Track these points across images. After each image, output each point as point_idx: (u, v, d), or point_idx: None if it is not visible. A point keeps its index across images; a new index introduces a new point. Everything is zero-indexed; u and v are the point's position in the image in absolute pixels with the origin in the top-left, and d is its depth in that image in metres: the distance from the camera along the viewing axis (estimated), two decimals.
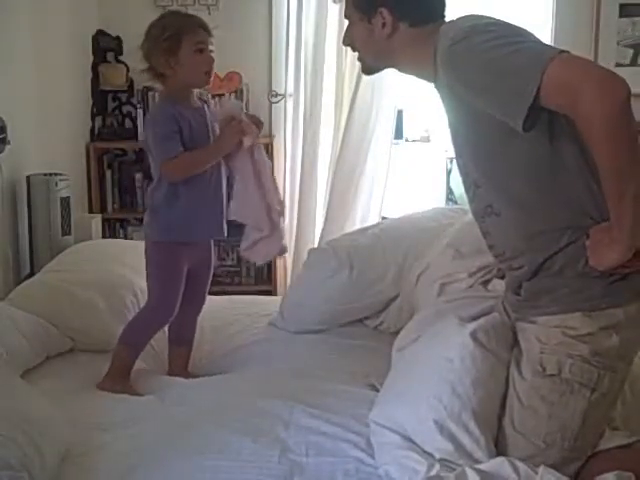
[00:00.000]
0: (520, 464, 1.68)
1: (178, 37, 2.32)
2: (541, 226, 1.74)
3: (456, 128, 1.82)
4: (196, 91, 2.46)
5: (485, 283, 2.35)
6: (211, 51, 2.38)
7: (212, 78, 2.42)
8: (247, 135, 2.39)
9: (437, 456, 1.73)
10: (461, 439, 1.72)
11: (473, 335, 1.79)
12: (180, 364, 2.53)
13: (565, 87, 1.51)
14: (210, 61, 2.37)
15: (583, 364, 1.70)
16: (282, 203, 2.54)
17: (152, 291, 2.46)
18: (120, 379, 2.36)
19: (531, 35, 1.67)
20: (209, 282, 2.62)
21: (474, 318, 1.89)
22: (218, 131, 2.44)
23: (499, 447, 1.75)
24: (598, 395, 1.71)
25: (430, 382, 1.80)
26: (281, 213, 2.51)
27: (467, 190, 1.88)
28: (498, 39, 1.61)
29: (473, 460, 1.71)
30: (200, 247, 2.51)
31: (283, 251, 2.55)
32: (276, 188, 2.51)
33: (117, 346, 2.42)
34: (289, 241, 4.30)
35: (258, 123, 2.46)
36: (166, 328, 2.58)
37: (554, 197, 1.72)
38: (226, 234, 2.51)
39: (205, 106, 2.46)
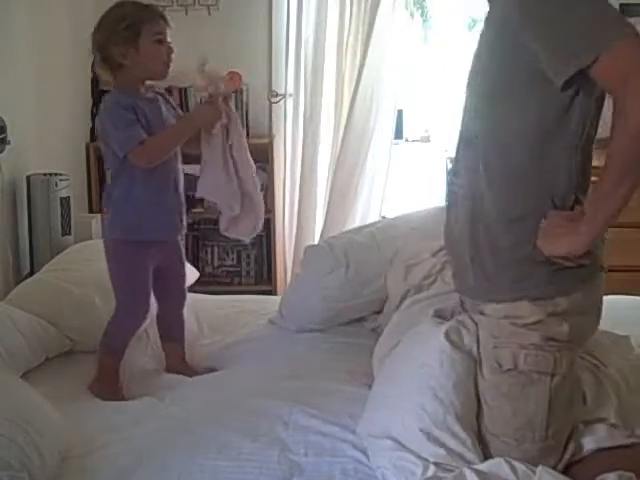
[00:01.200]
0: (518, 464, 1.69)
1: (137, 26, 2.27)
2: (505, 197, 1.70)
3: (485, 64, 1.71)
4: (147, 83, 2.39)
5: (446, 263, 2.34)
6: (169, 42, 2.33)
7: (170, 69, 2.35)
8: (222, 118, 2.34)
9: (431, 460, 1.73)
10: (449, 444, 1.73)
11: (447, 337, 1.80)
12: (176, 359, 2.53)
13: (619, 72, 1.49)
14: (170, 52, 2.32)
15: (537, 352, 1.70)
16: (256, 184, 2.47)
17: (119, 294, 2.42)
18: (108, 385, 2.35)
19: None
20: (185, 277, 2.60)
21: (448, 312, 1.92)
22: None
23: (483, 451, 1.76)
24: (559, 379, 1.71)
25: (412, 390, 1.80)
26: (254, 192, 2.45)
27: (463, 113, 1.80)
28: None
29: (465, 461, 1.72)
30: (165, 247, 2.45)
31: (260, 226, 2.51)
32: (251, 169, 2.44)
33: (99, 354, 2.41)
34: (289, 241, 4.31)
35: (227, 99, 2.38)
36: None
37: (535, 174, 1.68)
38: (183, 235, 2.48)
39: (160, 98, 2.41)
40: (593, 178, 1.70)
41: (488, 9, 1.76)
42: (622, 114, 1.50)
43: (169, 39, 2.33)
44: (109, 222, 2.41)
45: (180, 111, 2.52)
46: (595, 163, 1.72)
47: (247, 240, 2.60)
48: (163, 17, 2.34)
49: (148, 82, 2.40)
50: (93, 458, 1.88)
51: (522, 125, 1.67)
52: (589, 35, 1.50)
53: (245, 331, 2.74)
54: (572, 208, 1.69)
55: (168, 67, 2.34)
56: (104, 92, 4.13)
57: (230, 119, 2.39)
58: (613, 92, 1.53)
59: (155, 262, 2.45)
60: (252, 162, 2.47)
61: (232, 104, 2.43)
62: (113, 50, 2.29)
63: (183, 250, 2.57)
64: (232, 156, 2.39)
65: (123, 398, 2.32)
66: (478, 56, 1.73)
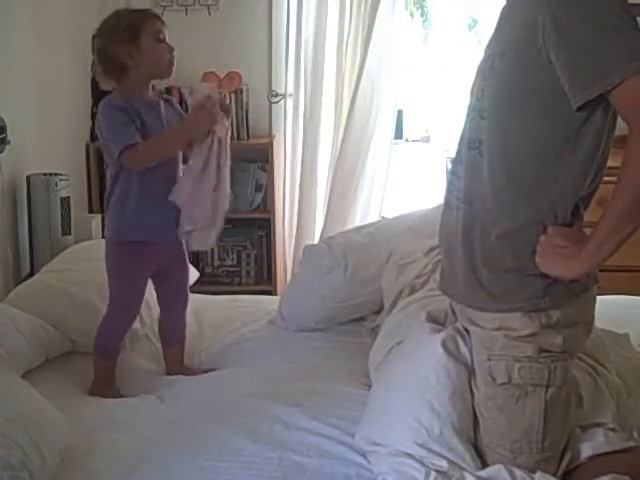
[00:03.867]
0: (517, 471, 1.68)
1: (137, 26, 2.29)
2: (506, 207, 1.67)
3: (507, 64, 1.64)
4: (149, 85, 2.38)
5: (438, 262, 2.34)
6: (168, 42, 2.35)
7: (174, 68, 2.36)
8: (219, 125, 2.32)
9: (432, 467, 1.73)
10: (448, 456, 1.72)
11: (444, 346, 1.78)
12: (176, 362, 2.53)
13: (637, 105, 1.48)
14: (171, 50, 2.33)
15: (531, 364, 1.68)
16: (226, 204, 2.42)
17: (112, 292, 2.43)
18: (104, 386, 2.36)
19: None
20: (188, 278, 2.60)
21: (442, 316, 1.91)
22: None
23: (481, 462, 1.75)
24: (554, 390, 1.69)
25: (409, 403, 1.79)
26: (221, 211, 2.41)
27: (468, 114, 1.76)
28: (614, 10, 1.51)
29: (465, 470, 1.71)
30: (166, 247, 2.44)
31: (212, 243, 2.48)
32: (226, 190, 2.40)
33: (93, 356, 2.42)
34: (289, 241, 4.31)
35: (228, 110, 2.38)
36: (157, 328, 2.60)
37: (539, 189, 1.65)
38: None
39: (161, 102, 2.40)
40: (606, 178, 1.66)
41: (505, 3, 1.73)
42: (636, 143, 1.48)
43: (168, 39, 2.34)
44: (108, 222, 2.41)
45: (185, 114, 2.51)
46: (610, 164, 1.67)
47: (193, 249, 2.52)
48: (159, 18, 2.36)
49: (153, 81, 2.40)
50: (94, 458, 1.88)
51: (528, 141, 1.64)
52: (618, 60, 1.48)
53: (245, 331, 2.74)
54: (573, 217, 1.67)
55: (172, 65, 2.35)
56: (104, 92, 4.17)
57: (224, 131, 2.35)
58: (631, 121, 1.50)
59: (156, 264, 2.45)
60: (229, 184, 2.43)
61: (227, 124, 2.40)
62: (116, 51, 2.29)
63: (186, 253, 2.55)
64: (218, 175, 2.35)
65: (120, 397, 2.33)
66: (500, 54, 1.65)
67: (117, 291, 2.43)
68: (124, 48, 2.28)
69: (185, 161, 2.41)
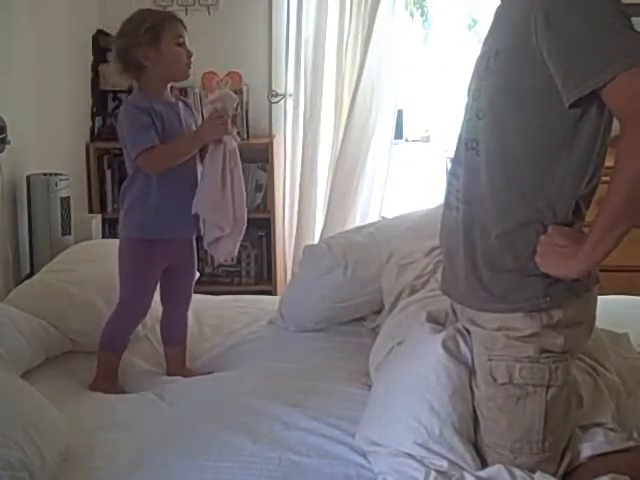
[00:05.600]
0: (517, 471, 1.68)
1: (158, 29, 2.32)
2: (505, 207, 1.67)
3: (501, 65, 1.64)
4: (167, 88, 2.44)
5: (438, 263, 2.34)
6: (187, 45, 2.39)
7: (191, 71, 2.41)
8: (229, 135, 2.39)
9: (432, 467, 1.73)
10: (448, 456, 1.72)
11: (444, 346, 1.78)
12: (177, 363, 2.53)
13: (633, 97, 1.48)
14: (190, 54, 2.38)
15: (532, 365, 1.68)
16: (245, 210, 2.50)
17: (123, 289, 2.45)
18: (107, 382, 2.38)
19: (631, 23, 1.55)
20: (194, 279, 2.61)
21: (442, 316, 1.91)
22: (194, 127, 2.45)
23: (482, 462, 1.74)
24: (555, 390, 1.69)
25: (409, 403, 1.79)
26: (242, 218, 2.48)
27: (465, 114, 1.76)
28: (607, 8, 1.52)
29: (465, 470, 1.71)
30: (179, 245, 2.48)
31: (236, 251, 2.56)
32: (243, 192, 2.48)
33: (98, 351, 2.43)
34: (289, 241, 4.31)
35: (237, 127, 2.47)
36: (158, 329, 2.60)
37: (537, 188, 1.65)
38: (202, 232, 2.48)
39: (180, 103, 2.45)
40: (604, 178, 1.66)
41: (500, 2, 1.74)
42: (629, 141, 1.48)
43: (187, 42, 2.38)
44: (125, 220, 2.43)
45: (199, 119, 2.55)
46: (609, 163, 1.64)
47: (221, 260, 2.63)
48: (181, 22, 2.40)
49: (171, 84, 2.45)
50: (94, 457, 1.88)
51: (525, 141, 1.64)
52: (610, 56, 1.48)
53: (245, 332, 2.74)
54: (573, 217, 1.66)
55: (189, 68, 2.39)
56: (104, 92, 4.19)
57: (233, 141, 2.43)
58: (623, 118, 1.50)
59: (168, 261, 2.47)
60: (244, 188, 2.50)
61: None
62: (135, 53, 2.33)
63: (196, 251, 2.58)
64: (232, 177, 2.42)
65: (123, 393, 2.34)
66: (495, 54, 1.65)
67: (128, 289, 2.45)
68: (144, 50, 2.32)
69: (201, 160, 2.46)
